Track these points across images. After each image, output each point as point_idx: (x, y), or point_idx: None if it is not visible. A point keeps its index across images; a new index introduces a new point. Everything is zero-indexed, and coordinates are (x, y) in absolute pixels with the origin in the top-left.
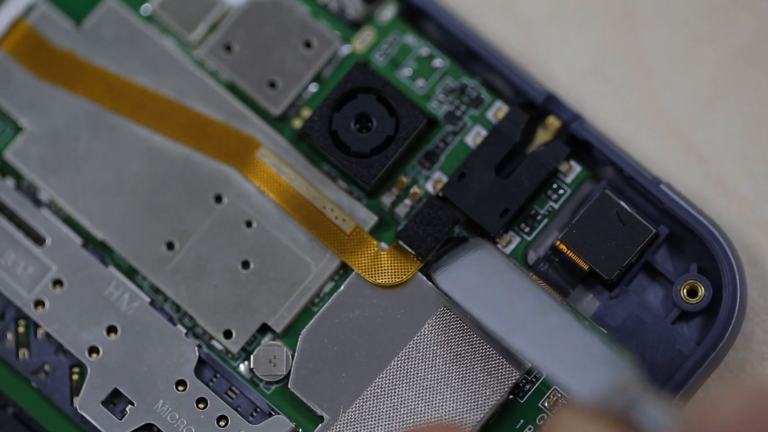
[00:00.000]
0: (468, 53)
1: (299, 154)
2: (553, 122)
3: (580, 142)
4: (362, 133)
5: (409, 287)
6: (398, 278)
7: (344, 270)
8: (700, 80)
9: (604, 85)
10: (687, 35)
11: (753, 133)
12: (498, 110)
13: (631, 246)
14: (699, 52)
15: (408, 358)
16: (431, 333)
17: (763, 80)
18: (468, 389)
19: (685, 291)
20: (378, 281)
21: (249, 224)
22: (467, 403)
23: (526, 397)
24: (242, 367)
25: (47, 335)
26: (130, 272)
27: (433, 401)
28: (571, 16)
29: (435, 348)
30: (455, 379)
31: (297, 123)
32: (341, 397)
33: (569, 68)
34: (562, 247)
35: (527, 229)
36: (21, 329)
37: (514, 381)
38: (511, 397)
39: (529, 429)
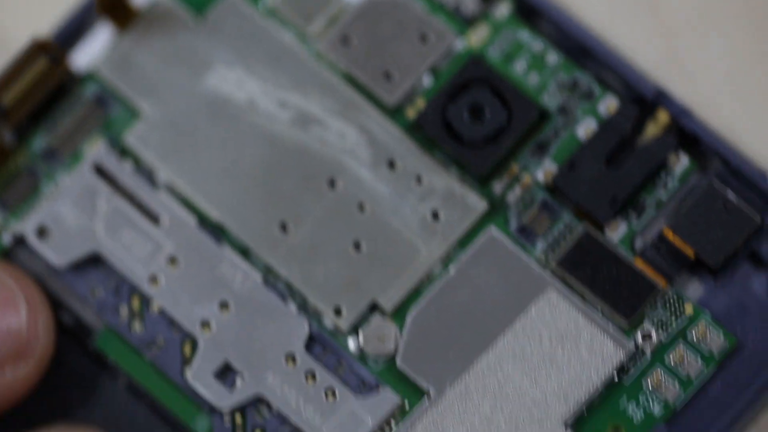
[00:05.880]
0: (581, 50)
1: (413, 143)
2: (662, 116)
3: (689, 135)
4: (475, 123)
5: (516, 270)
6: None
7: (452, 254)
8: None
9: (746, 91)
10: None
11: None
12: (609, 104)
13: (737, 235)
14: None
15: (514, 337)
16: (538, 313)
17: None
18: (573, 368)
19: None
20: None
21: (361, 208)
22: (572, 382)
23: (630, 377)
24: (351, 344)
25: (160, 311)
26: (244, 252)
27: (538, 379)
28: (714, 22)
29: (541, 327)
30: (560, 358)
31: (411, 113)
32: (447, 373)
33: (710, 74)
34: (669, 235)
35: (635, 218)
36: (135, 304)
37: (619, 361)
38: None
39: (632, 406)
